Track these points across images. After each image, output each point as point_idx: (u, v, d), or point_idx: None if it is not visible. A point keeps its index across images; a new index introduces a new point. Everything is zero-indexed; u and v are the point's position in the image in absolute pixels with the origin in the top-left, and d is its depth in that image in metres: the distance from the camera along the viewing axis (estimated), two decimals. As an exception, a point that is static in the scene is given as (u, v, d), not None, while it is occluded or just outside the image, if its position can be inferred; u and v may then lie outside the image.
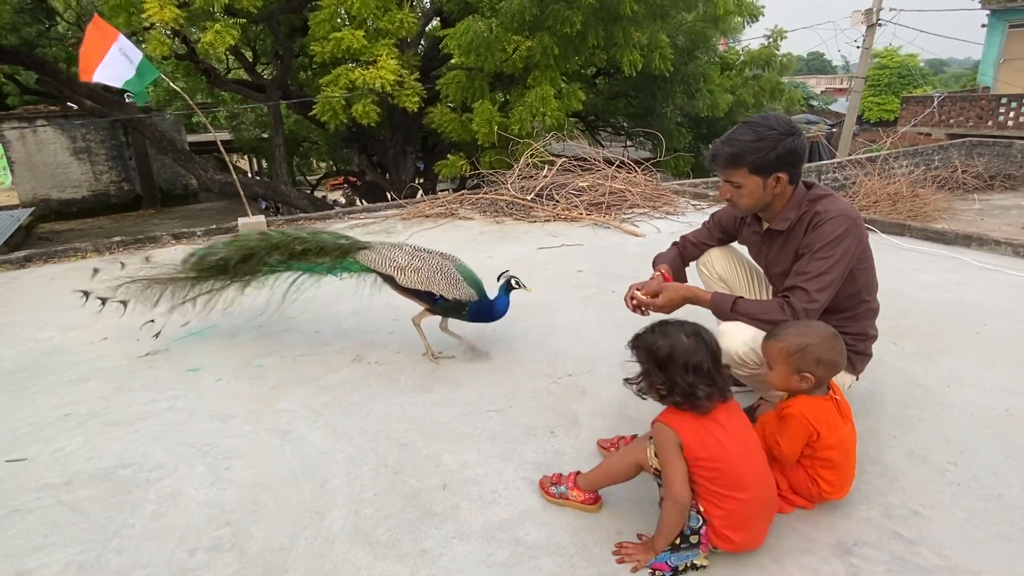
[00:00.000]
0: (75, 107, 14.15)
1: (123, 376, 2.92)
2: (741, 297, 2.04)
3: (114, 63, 4.70)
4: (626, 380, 1.77)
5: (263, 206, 16.53)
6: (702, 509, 1.61)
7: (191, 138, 17.92)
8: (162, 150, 12.85)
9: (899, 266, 4.02)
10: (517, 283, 2.83)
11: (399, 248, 2.92)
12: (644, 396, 1.75)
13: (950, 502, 1.86)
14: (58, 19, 13.05)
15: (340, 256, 2.96)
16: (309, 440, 2.31)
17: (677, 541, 1.62)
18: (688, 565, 1.62)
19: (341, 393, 2.66)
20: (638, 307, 2.18)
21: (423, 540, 1.78)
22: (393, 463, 2.14)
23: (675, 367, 1.62)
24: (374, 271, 2.88)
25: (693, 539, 1.61)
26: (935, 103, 17.28)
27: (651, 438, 1.67)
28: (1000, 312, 3.25)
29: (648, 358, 1.68)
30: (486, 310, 2.83)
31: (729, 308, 2.02)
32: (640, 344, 1.72)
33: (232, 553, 1.77)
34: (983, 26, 18.65)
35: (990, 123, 15.97)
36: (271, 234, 3.13)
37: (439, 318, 3.00)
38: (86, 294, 3.18)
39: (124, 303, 3.09)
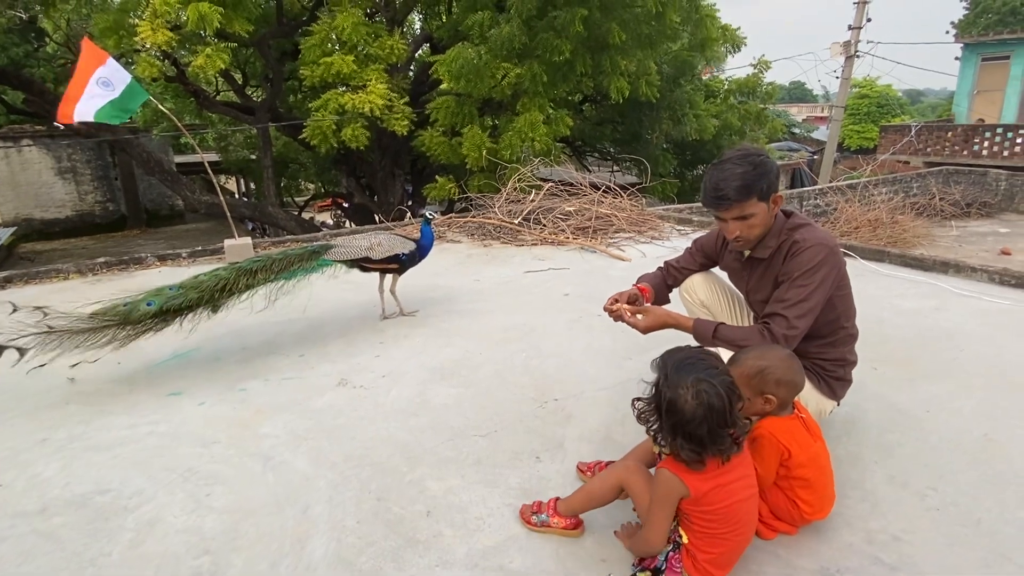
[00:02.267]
0: (61, 127, 14.10)
1: (103, 399, 2.89)
2: (722, 324, 2.07)
3: (93, 97, 4.57)
4: (634, 401, 1.67)
5: (250, 227, 16.48)
6: (686, 540, 1.61)
7: (179, 158, 17.88)
8: (149, 171, 12.79)
9: (879, 292, 4.09)
10: (432, 215, 3.99)
11: (356, 237, 3.74)
12: (642, 423, 1.65)
13: (930, 528, 1.88)
14: (47, 40, 13.06)
15: (312, 259, 3.46)
16: (292, 465, 2.28)
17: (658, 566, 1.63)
18: None
19: (325, 417, 2.64)
20: (616, 315, 2.19)
21: (406, 568, 1.76)
22: (376, 489, 2.12)
23: (669, 421, 1.54)
24: (346, 261, 3.56)
25: (665, 566, 1.63)
26: (913, 132, 17.72)
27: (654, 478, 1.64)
28: (977, 338, 3.31)
29: (653, 396, 1.60)
30: (425, 244, 3.82)
31: (711, 335, 2.05)
32: (657, 373, 1.61)
33: (211, 582, 1.73)
34: (957, 59, 19.27)
35: (965, 152, 16.40)
36: (241, 264, 3.27)
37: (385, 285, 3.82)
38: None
39: (21, 351, 2.71)
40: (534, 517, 1.88)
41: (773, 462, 1.72)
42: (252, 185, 22.07)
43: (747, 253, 2.19)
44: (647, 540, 1.63)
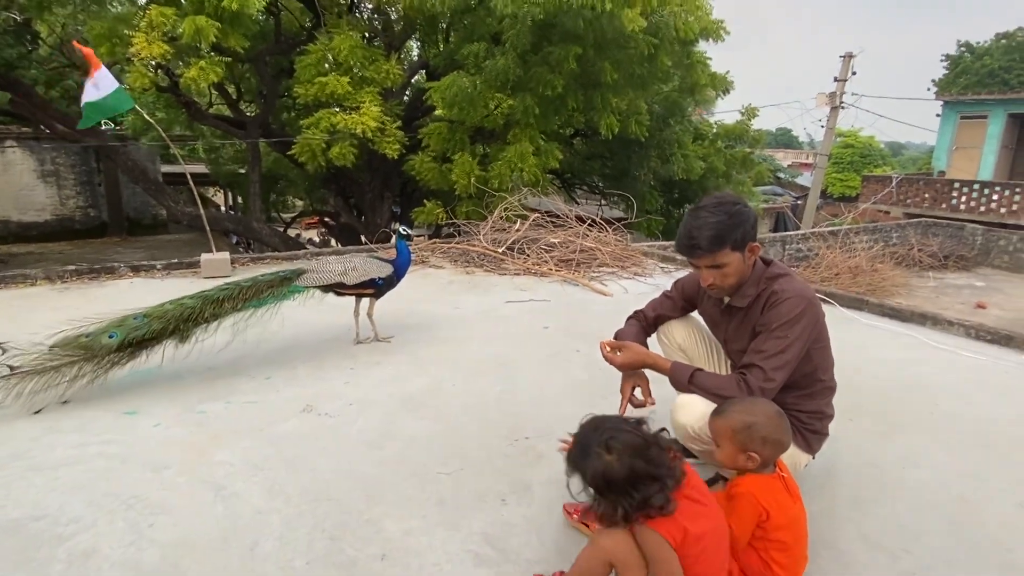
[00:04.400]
0: (47, 131, 13.95)
1: (55, 415, 2.75)
2: (700, 370, 2.02)
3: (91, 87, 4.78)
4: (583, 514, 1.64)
5: (234, 241, 16.29)
6: None
7: (166, 168, 17.71)
8: (134, 179, 12.64)
9: (857, 341, 4.09)
10: (406, 231, 3.88)
11: (329, 261, 3.60)
12: (612, 525, 1.51)
13: (903, 593, 1.81)
14: (40, 42, 12.97)
15: (284, 285, 3.36)
16: (244, 497, 2.17)
17: None
18: None
19: (285, 446, 2.53)
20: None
21: (354, 616, 1.65)
22: (331, 527, 2.01)
23: (614, 491, 1.46)
24: (319, 287, 3.45)
25: None
26: (894, 183, 18.16)
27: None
28: (953, 393, 3.30)
29: (593, 485, 1.50)
30: (401, 264, 3.73)
31: (687, 380, 1.99)
32: (578, 471, 1.52)
33: (142, 624, 1.61)
34: (937, 115, 19.89)
35: (944, 205, 16.82)
36: (208, 293, 3.17)
37: (361, 309, 3.75)
38: None
39: None
40: None
41: (750, 522, 1.65)
42: (239, 199, 21.93)
43: (726, 301, 2.16)
44: None
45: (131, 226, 15.92)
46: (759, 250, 2.05)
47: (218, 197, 24.12)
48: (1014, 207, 15.38)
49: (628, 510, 1.47)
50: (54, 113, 11.30)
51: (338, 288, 3.54)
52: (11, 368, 2.66)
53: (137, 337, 2.91)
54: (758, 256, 2.07)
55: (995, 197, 15.84)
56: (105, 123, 13.33)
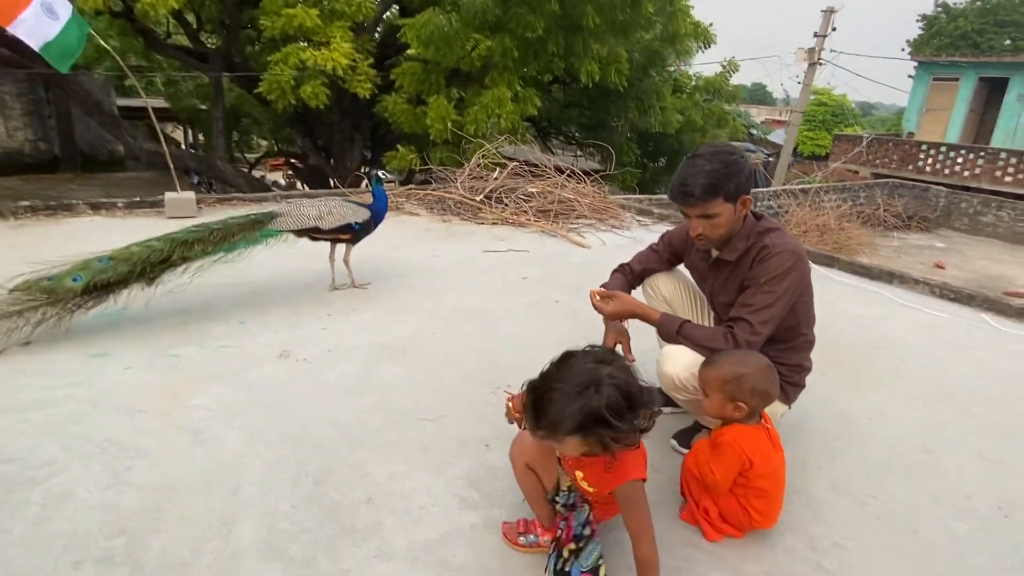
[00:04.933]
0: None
1: (17, 356, 2.64)
2: (688, 321, 2.03)
3: (37, 20, 4.21)
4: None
5: (195, 180, 15.65)
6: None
7: (122, 102, 16.73)
8: (87, 111, 11.93)
9: (827, 298, 4.16)
10: (385, 175, 3.78)
11: (304, 204, 3.45)
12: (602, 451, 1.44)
13: (870, 536, 1.90)
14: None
15: (256, 228, 3.20)
16: (223, 442, 2.13)
17: (574, 547, 1.55)
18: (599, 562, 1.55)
19: (263, 392, 2.49)
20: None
21: (342, 559, 1.66)
22: (314, 472, 2.00)
23: (611, 420, 1.37)
24: (294, 230, 3.32)
25: (587, 531, 1.58)
26: (864, 143, 18.38)
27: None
28: (917, 349, 3.42)
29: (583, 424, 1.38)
30: (378, 209, 3.63)
31: (675, 331, 2.00)
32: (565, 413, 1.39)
33: (124, 567, 1.59)
34: (910, 76, 20.03)
35: (911, 167, 17.14)
36: (176, 235, 3.00)
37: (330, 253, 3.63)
38: None
39: None
40: (521, 538, 1.73)
41: (733, 470, 1.70)
42: (200, 137, 20.97)
43: (714, 254, 2.15)
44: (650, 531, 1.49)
45: (85, 162, 15.14)
46: (751, 203, 2.04)
47: (177, 134, 23.01)
48: (977, 171, 15.77)
49: (610, 442, 1.40)
50: (-4, 36, 10.47)
51: (313, 233, 3.43)
52: None
53: (103, 280, 2.78)
54: (749, 210, 2.06)
55: (959, 160, 16.20)
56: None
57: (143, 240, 2.99)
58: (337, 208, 3.46)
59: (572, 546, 1.58)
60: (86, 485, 1.88)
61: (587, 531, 1.59)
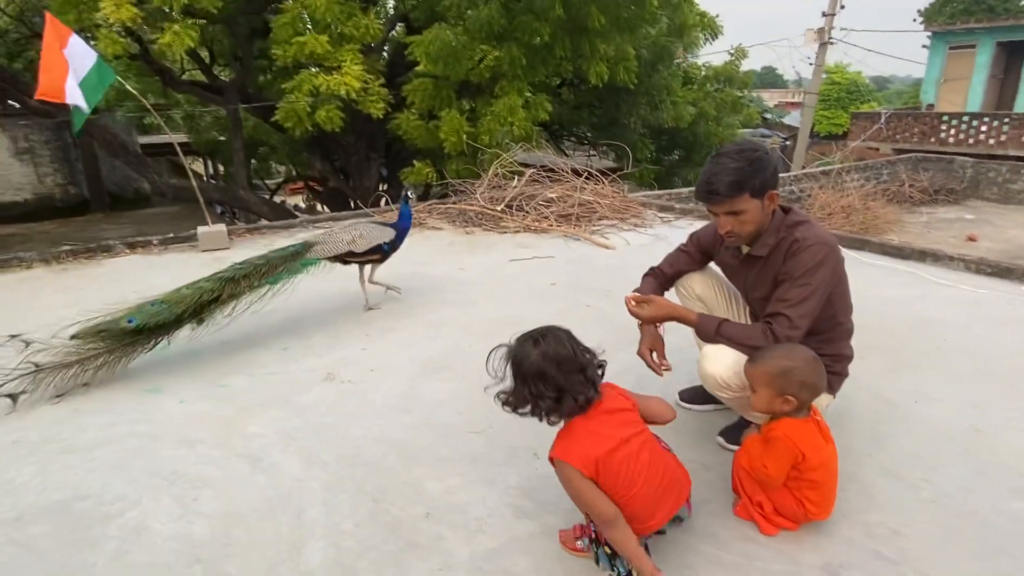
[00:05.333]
0: (17, 105, 13.48)
1: (77, 398, 2.75)
2: (726, 320, 2.06)
3: (75, 78, 4.42)
4: (497, 395, 1.70)
5: (219, 211, 16.04)
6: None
7: (144, 139, 17.25)
8: (113, 152, 12.32)
9: (860, 281, 4.10)
10: (409, 196, 3.93)
11: (336, 232, 3.59)
12: (526, 414, 1.66)
13: (926, 520, 1.90)
14: (0, 13, 12.42)
15: (295, 259, 3.35)
16: (282, 466, 2.21)
17: (609, 551, 1.64)
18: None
19: (314, 415, 2.57)
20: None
21: (409, 573, 1.72)
22: (372, 490, 2.07)
23: (527, 384, 1.59)
24: (331, 257, 3.48)
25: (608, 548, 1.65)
26: (883, 119, 18.05)
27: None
28: (957, 327, 3.38)
29: (524, 375, 1.61)
30: (403, 228, 3.78)
31: (714, 331, 2.03)
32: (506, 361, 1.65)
33: (204, 593, 1.67)
34: (925, 47, 19.63)
35: (933, 140, 16.78)
36: (223, 273, 3.12)
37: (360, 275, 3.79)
38: None
39: (13, 398, 2.61)
40: (579, 543, 1.77)
41: (786, 464, 1.72)
42: (220, 167, 21.46)
43: (745, 250, 2.17)
44: (605, 523, 1.59)
45: (113, 201, 15.61)
46: (778, 198, 2.05)
47: (197, 166, 23.57)
48: (1003, 138, 15.38)
49: (535, 407, 1.61)
50: (24, 87, 10.89)
51: (347, 257, 3.56)
52: (36, 365, 2.64)
53: (157, 322, 2.89)
54: (777, 204, 2.07)
55: (984, 129, 15.81)
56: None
57: (192, 282, 3.09)
58: (367, 231, 3.60)
59: (607, 549, 1.65)
60: (158, 517, 1.96)
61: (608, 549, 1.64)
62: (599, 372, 1.66)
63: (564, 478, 1.61)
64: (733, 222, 2.02)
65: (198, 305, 2.98)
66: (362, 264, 3.71)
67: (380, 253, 3.68)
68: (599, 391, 1.64)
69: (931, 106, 19.04)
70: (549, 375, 1.57)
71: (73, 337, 2.75)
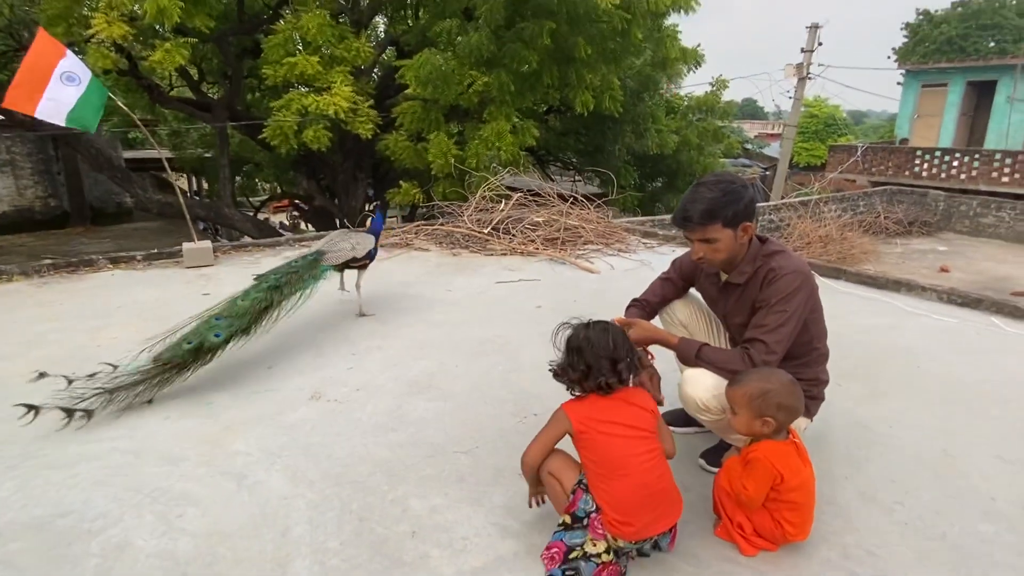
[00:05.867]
0: (1, 118, 13.34)
1: (57, 412, 2.72)
2: (706, 344, 2.12)
3: (57, 96, 4.38)
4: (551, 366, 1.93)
5: (201, 227, 15.92)
6: (593, 495, 1.74)
7: (128, 154, 17.14)
8: (97, 167, 12.22)
9: (837, 310, 4.24)
10: (379, 205, 4.28)
11: (336, 241, 3.83)
12: (561, 380, 1.89)
13: (900, 542, 1.96)
14: (-13, 25, 12.35)
15: (315, 267, 3.54)
16: (268, 484, 2.21)
17: (569, 520, 1.76)
18: (580, 551, 1.72)
19: (299, 434, 2.57)
20: None
21: (394, 592, 1.73)
22: (358, 509, 2.07)
23: (589, 354, 1.80)
24: (339, 265, 3.73)
25: (584, 521, 1.74)
26: (859, 152, 18.58)
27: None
28: (930, 355, 3.49)
29: (568, 348, 1.86)
30: (377, 231, 4.06)
31: (694, 355, 2.09)
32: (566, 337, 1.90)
33: (188, 611, 1.66)
34: (899, 84, 20.33)
35: (907, 173, 17.29)
36: (267, 282, 3.25)
37: (339, 283, 4.09)
38: (33, 409, 2.52)
39: (89, 413, 2.60)
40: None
41: (765, 485, 1.77)
42: (204, 184, 21.38)
43: (724, 278, 2.25)
44: (526, 452, 1.86)
45: (95, 215, 15.43)
46: (752, 230, 2.13)
47: (181, 182, 23.43)
48: (973, 173, 15.92)
49: (571, 377, 1.84)
50: (8, 99, 10.79)
51: (350, 263, 3.81)
52: (108, 391, 2.63)
53: (229, 336, 2.94)
54: (752, 235, 2.15)
55: (955, 164, 16.35)
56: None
57: (240, 292, 3.16)
58: (359, 239, 3.87)
59: (568, 519, 1.77)
60: (141, 534, 1.95)
61: (585, 521, 1.74)
62: (630, 371, 1.85)
63: (554, 419, 1.84)
64: (706, 249, 2.11)
65: (257, 315, 3.08)
66: (359, 269, 3.94)
67: (369, 259, 3.96)
68: (624, 383, 1.83)
69: (905, 140, 19.66)
70: (584, 352, 1.81)
71: (157, 360, 2.73)
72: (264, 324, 3.16)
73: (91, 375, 2.74)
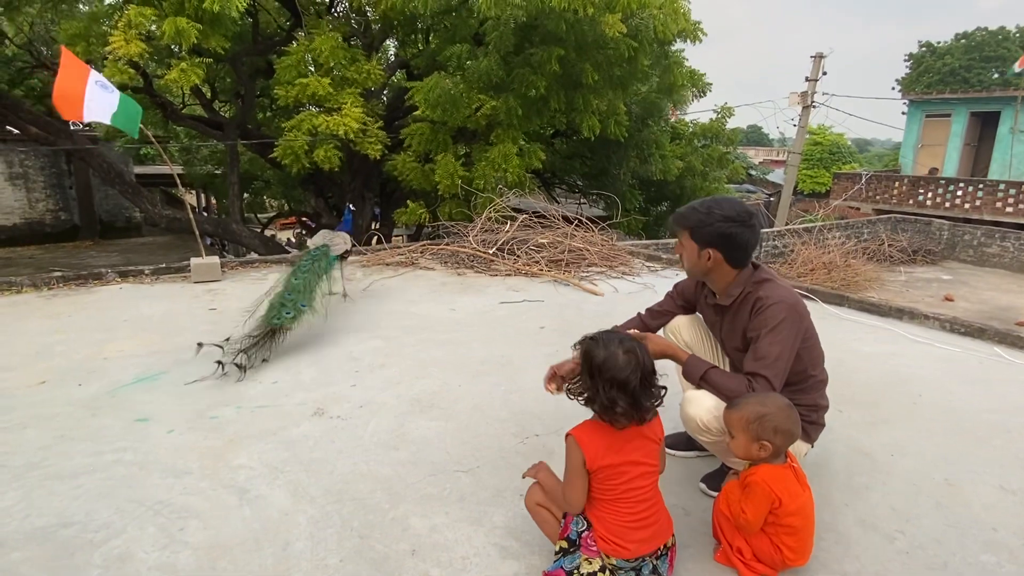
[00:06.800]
0: (15, 131, 13.58)
1: (64, 424, 2.76)
2: (714, 367, 2.13)
3: (97, 98, 4.65)
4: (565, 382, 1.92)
5: (208, 243, 16.05)
6: (585, 511, 1.76)
7: (138, 169, 17.38)
8: (108, 182, 12.38)
9: (840, 336, 4.27)
10: (352, 208, 5.50)
11: (331, 237, 4.56)
12: (572, 397, 1.80)
13: (901, 570, 1.95)
14: (7, 42, 12.64)
15: (327, 257, 4.30)
16: (269, 499, 2.22)
17: (565, 545, 1.77)
18: (578, 574, 1.72)
19: (302, 450, 2.59)
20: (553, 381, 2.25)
21: (393, 609, 1.73)
22: (359, 526, 2.08)
23: (602, 378, 1.68)
24: (341, 254, 4.54)
25: (577, 542, 1.75)
26: (863, 180, 18.67)
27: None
28: (932, 384, 3.49)
29: (583, 363, 1.75)
30: (349, 231, 5.02)
31: (700, 375, 2.11)
32: (583, 347, 1.77)
33: (188, 624, 1.67)
34: (903, 113, 20.50)
35: (911, 201, 17.35)
36: (304, 264, 4.09)
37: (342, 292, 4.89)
38: (221, 364, 3.31)
39: (242, 367, 3.34)
40: None
41: (763, 509, 1.77)
42: (212, 200, 21.60)
43: (716, 299, 2.28)
44: (567, 499, 1.76)
45: (104, 229, 15.60)
46: (719, 260, 2.14)
47: (189, 197, 23.69)
48: (977, 202, 15.96)
49: (595, 399, 1.71)
50: (24, 114, 11.02)
51: (346, 254, 4.63)
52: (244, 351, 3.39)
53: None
54: (724, 264, 2.15)
55: (959, 193, 16.41)
56: (83, 126, 13.04)
57: (287, 275, 3.96)
58: (344, 237, 4.66)
59: (564, 544, 1.77)
60: (143, 546, 1.96)
61: (579, 541, 1.75)
62: (649, 400, 1.72)
63: (569, 454, 1.73)
64: (679, 248, 2.26)
65: (312, 289, 3.90)
66: (342, 259, 4.69)
67: (349, 252, 4.79)
68: (642, 419, 1.71)
69: (935, 169, 19.69)
70: (593, 375, 1.71)
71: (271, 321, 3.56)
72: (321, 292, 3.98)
73: (226, 339, 3.41)
